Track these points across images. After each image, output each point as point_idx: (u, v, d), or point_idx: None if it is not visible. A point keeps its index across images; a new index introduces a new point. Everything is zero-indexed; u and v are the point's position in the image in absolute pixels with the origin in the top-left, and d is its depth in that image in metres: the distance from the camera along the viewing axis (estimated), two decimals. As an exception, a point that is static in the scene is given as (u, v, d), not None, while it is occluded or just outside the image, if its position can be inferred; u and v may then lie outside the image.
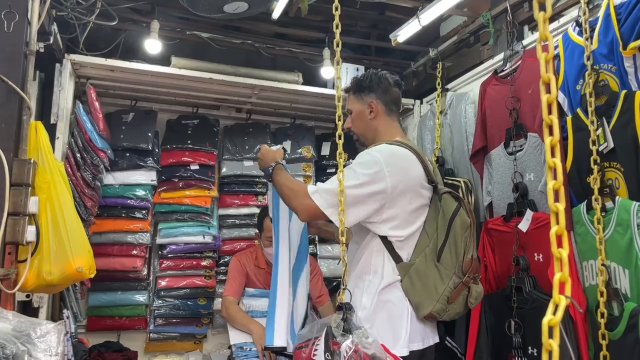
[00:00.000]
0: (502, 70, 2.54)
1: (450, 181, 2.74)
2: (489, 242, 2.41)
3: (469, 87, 2.93)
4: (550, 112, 0.81)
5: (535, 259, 2.18)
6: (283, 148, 2.11)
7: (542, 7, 0.87)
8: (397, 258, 1.77)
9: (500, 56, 2.61)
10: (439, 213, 1.78)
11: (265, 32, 3.52)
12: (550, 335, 0.73)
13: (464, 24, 3.01)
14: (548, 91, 0.82)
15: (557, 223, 0.77)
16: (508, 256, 2.27)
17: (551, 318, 0.73)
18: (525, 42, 2.50)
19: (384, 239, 1.77)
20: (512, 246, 2.24)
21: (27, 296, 2.30)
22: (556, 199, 0.78)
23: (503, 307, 2.22)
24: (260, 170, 2.06)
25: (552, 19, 2.47)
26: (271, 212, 2.23)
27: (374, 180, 1.72)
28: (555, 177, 0.79)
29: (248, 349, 2.59)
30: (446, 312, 1.72)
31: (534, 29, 2.69)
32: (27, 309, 2.35)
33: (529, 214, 2.19)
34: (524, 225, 2.20)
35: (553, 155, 0.80)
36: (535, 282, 2.15)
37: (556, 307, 0.74)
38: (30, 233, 1.76)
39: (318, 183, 1.81)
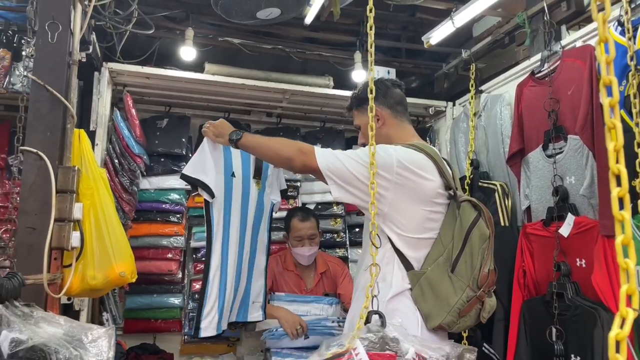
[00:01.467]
0: (540, 71, 2.49)
1: (485, 184, 2.70)
2: (527, 246, 2.36)
3: (504, 88, 2.88)
4: (612, 116, 0.79)
5: (578, 264, 2.13)
6: None
7: (601, 8, 0.85)
8: (407, 266, 1.70)
9: (537, 57, 2.55)
10: (455, 222, 1.70)
11: (296, 37, 3.54)
12: (618, 350, 0.70)
13: (499, 25, 2.97)
14: (610, 94, 0.80)
15: (623, 232, 0.74)
16: (548, 261, 2.22)
17: (618, 332, 0.71)
18: (563, 42, 2.44)
19: (393, 245, 1.71)
20: (553, 251, 2.19)
21: (69, 299, 2.35)
22: (621, 207, 0.75)
23: (543, 314, 2.18)
24: (216, 135, 2.04)
25: (591, 19, 2.41)
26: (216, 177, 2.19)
27: (380, 166, 1.62)
28: (619, 184, 0.77)
29: (275, 330, 2.66)
30: (456, 325, 1.65)
31: (571, 28, 2.64)
32: (68, 312, 2.40)
33: (570, 218, 2.14)
34: (565, 229, 2.15)
35: (617, 161, 0.77)
36: (577, 288, 2.10)
37: (623, 320, 0.71)
38: (75, 238, 1.80)
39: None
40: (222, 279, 2.23)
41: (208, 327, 2.11)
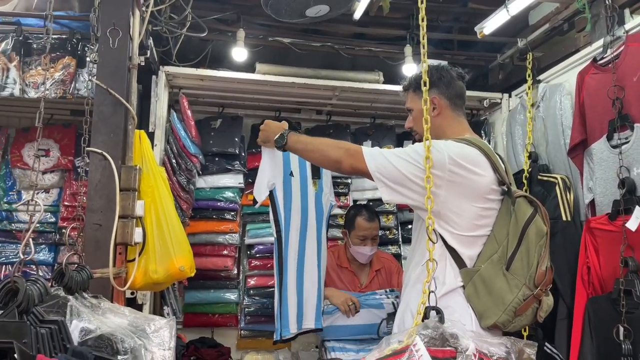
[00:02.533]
0: (602, 58, 2.37)
1: (545, 178, 2.60)
2: (591, 242, 2.25)
3: (563, 77, 2.76)
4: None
5: (647, 260, 2.01)
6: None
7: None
8: (460, 263, 1.66)
9: (599, 43, 2.43)
10: (510, 218, 1.64)
11: (344, 33, 3.53)
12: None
13: (557, 11, 2.84)
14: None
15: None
16: (614, 257, 2.11)
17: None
18: (627, 26, 2.31)
19: (445, 242, 1.67)
20: (619, 246, 2.08)
21: (132, 293, 2.46)
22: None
23: (610, 312, 2.07)
24: (264, 141, 2.02)
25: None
26: (267, 185, 2.21)
27: (431, 165, 1.58)
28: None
29: (325, 306, 2.70)
30: (512, 324, 1.59)
31: (635, 12, 2.49)
32: (132, 305, 2.50)
33: (638, 211, 2.02)
34: (633, 223, 2.03)
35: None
36: (647, 285, 1.98)
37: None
38: (137, 234, 1.90)
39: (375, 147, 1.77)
40: (284, 280, 2.24)
41: (277, 330, 2.23)
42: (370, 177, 1.70)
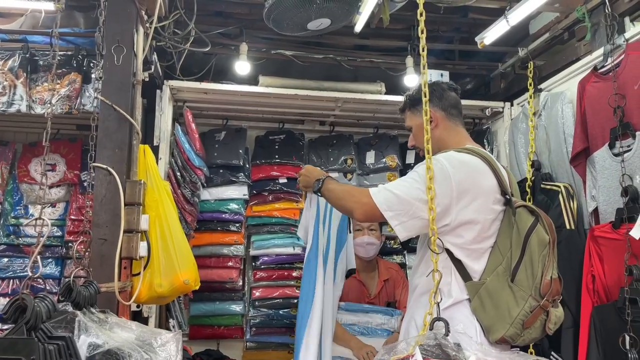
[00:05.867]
0: (603, 66, 2.38)
1: (548, 186, 2.60)
2: (596, 250, 2.25)
3: (564, 85, 2.77)
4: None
5: (652, 268, 2.01)
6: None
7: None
8: (465, 276, 1.65)
9: (599, 52, 2.44)
10: (512, 229, 1.64)
11: (346, 45, 3.57)
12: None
13: (557, 20, 2.86)
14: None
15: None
16: (619, 265, 2.10)
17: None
18: (627, 34, 2.33)
19: (451, 255, 1.66)
20: (623, 255, 2.07)
21: (138, 307, 2.47)
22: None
23: (616, 321, 2.06)
24: (304, 186, 2.04)
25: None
26: (309, 228, 2.20)
27: (437, 183, 1.59)
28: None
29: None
30: (521, 337, 1.57)
31: (635, 20, 2.50)
32: (138, 318, 2.52)
33: (642, 219, 2.02)
34: (636, 231, 2.03)
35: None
36: (652, 293, 1.98)
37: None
38: (142, 248, 1.91)
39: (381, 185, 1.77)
40: None
41: None
42: (382, 218, 1.69)
